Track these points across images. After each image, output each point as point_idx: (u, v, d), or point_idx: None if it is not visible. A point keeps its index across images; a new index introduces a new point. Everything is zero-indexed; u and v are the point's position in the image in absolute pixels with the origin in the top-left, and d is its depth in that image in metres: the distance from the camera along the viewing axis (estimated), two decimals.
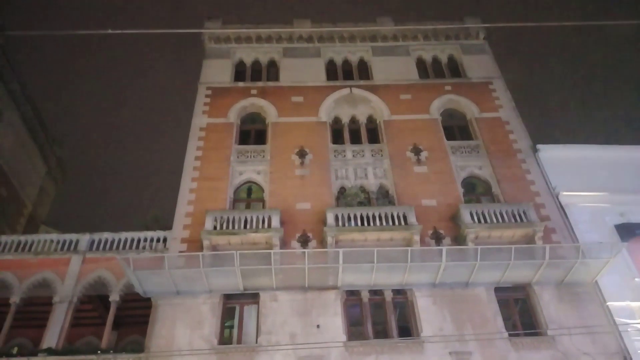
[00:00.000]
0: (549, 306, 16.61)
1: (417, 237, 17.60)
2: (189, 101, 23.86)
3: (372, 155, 21.63)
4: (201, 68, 25.46)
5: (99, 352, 15.92)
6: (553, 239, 18.17)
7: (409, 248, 16.42)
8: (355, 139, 22.55)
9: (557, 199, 19.44)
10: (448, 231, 18.46)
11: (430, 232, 18.32)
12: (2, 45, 27.51)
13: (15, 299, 17.28)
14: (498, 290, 17.06)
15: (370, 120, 23.46)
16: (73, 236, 18.76)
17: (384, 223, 17.84)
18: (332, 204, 19.25)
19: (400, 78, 24.87)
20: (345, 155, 21.52)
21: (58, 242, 18.71)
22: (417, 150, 21.36)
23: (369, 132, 22.89)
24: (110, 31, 10.96)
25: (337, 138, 22.56)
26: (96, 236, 18.76)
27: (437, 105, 23.51)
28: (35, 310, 18.51)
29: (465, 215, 18.12)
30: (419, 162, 21.03)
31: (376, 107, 23.52)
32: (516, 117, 23.07)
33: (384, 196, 19.98)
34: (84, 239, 18.61)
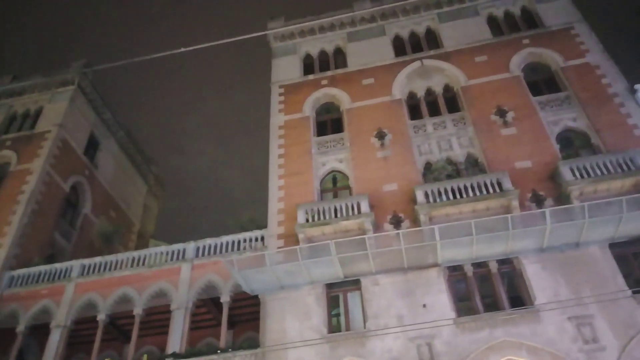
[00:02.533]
0: None
1: (515, 203, 16.75)
2: (265, 102, 24.42)
3: (454, 124, 20.87)
4: (270, 68, 25.95)
5: (218, 351, 16.88)
6: None
7: (509, 215, 15.64)
8: (434, 111, 21.85)
9: None
10: (549, 192, 17.37)
11: (529, 195, 17.34)
12: (92, 81, 29.85)
13: (138, 311, 18.78)
14: (613, 246, 15.78)
15: (447, 89, 22.61)
16: (180, 246, 20.01)
17: (478, 193, 17.16)
18: (419, 181, 18.84)
19: (473, 40, 23.67)
20: (425, 130, 20.95)
21: (167, 253, 20.04)
22: (502, 112, 20.27)
23: (447, 102, 22.07)
24: (182, 49, 11.47)
25: (415, 113, 21.99)
26: (200, 243, 19.85)
27: (516, 62, 22.12)
28: (157, 319, 19.99)
29: (566, 172, 16.95)
30: (505, 124, 19.96)
31: (451, 74, 22.63)
32: (607, 59, 21.11)
33: (474, 165, 19.24)
34: (190, 247, 19.77)
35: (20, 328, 19.42)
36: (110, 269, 20.13)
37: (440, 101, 22.15)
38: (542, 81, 21.74)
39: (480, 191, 17.24)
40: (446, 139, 20.42)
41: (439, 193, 17.58)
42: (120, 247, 27.49)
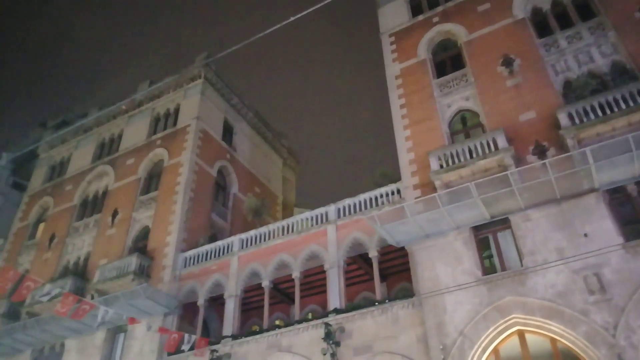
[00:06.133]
0: None
1: None
2: (379, 54, 23.90)
3: (592, 33, 18.50)
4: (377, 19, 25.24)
5: (376, 303, 17.52)
6: None
7: None
8: (565, 23, 19.49)
9: None
10: None
11: None
12: (216, 71, 31.88)
13: (296, 274, 20.15)
14: None
15: None
16: (322, 210, 20.87)
17: (632, 103, 15.09)
18: (560, 104, 17.15)
19: None
20: (559, 46, 18.90)
21: (312, 218, 21.06)
22: None
23: (578, 10, 19.51)
24: (291, 18, 11.69)
25: (543, 30, 19.86)
26: (340, 204, 20.50)
27: None
28: (314, 279, 21.31)
29: None
30: None
31: None
32: None
33: (622, 73, 16.92)
34: (331, 209, 20.54)
35: (200, 301, 22.03)
36: (265, 240, 21.79)
37: (570, 10, 19.70)
38: None
39: (635, 101, 15.18)
40: (584, 51, 18.23)
41: (585, 112, 15.86)
42: (269, 218, 29.52)
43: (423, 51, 22.20)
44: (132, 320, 17.44)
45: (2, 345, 24.58)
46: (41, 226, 31.86)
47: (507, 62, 19.17)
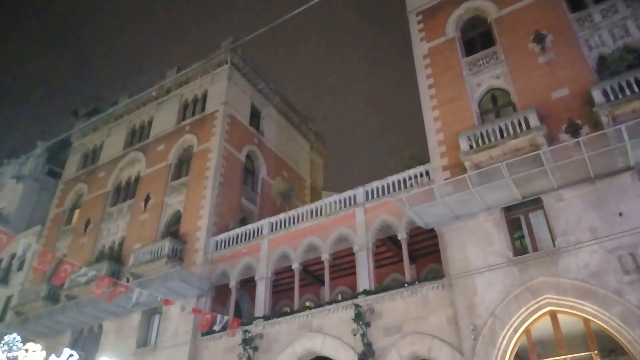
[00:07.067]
0: None
1: None
2: (406, 34, 23.56)
3: (628, 5, 17.76)
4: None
5: (405, 285, 17.57)
6: None
7: None
8: None
9: None
10: None
11: None
12: (242, 56, 32.00)
13: (325, 256, 20.33)
14: None
15: None
16: (350, 192, 20.90)
17: None
18: (594, 80, 16.64)
19: None
20: (592, 20, 18.25)
21: (340, 201, 21.12)
22: None
23: None
24: None
25: (576, 4, 19.14)
26: (368, 187, 20.50)
27: None
28: (344, 262, 21.47)
29: None
30: None
31: None
32: None
33: None
34: (359, 192, 20.55)
35: (232, 284, 22.48)
36: (294, 223, 22.00)
37: None
38: None
39: None
40: (620, 25, 17.56)
41: (621, 88, 15.34)
42: (298, 202, 29.75)
43: (451, 29, 21.75)
44: (167, 302, 17.95)
45: (43, 326, 25.67)
46: (77, 212, 32.89)
47: (539, 38, 18.60)
